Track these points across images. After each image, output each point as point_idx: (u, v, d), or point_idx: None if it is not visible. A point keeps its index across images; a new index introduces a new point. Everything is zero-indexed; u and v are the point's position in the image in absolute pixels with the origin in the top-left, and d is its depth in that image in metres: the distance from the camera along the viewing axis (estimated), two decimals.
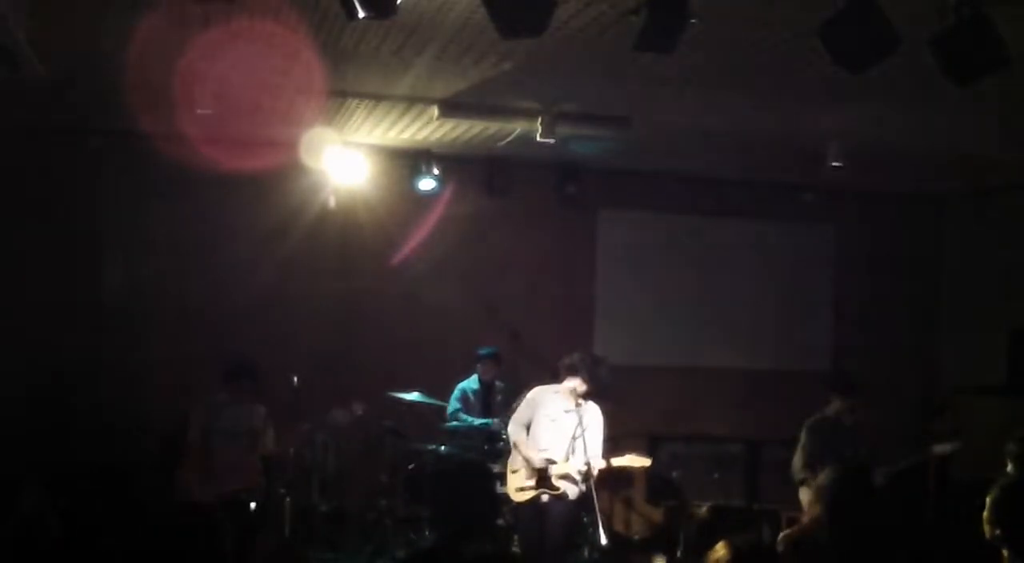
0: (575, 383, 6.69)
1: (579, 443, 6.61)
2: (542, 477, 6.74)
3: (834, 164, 8.26)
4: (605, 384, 6.76)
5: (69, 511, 4.10)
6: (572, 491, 6.74)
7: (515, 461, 6.97)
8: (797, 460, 7.49)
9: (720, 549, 3.09)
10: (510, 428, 7.02)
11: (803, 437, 7.50)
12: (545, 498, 6.76)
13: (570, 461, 6.68)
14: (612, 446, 7.09)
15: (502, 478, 7.79)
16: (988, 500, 3.46)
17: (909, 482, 7.45)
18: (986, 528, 3.44)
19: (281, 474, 7.92)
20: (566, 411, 6.75)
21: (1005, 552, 3.38)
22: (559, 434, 6.77)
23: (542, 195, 9.98)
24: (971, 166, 9.31)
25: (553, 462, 6.72)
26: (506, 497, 7.33)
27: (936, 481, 8.05)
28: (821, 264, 11.08)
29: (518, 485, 6.88)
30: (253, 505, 7.03)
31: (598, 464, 6.67)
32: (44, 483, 4.02)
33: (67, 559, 3.66)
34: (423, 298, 9.59)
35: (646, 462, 6.88)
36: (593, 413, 6.82)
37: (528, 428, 6.89)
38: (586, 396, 6.73)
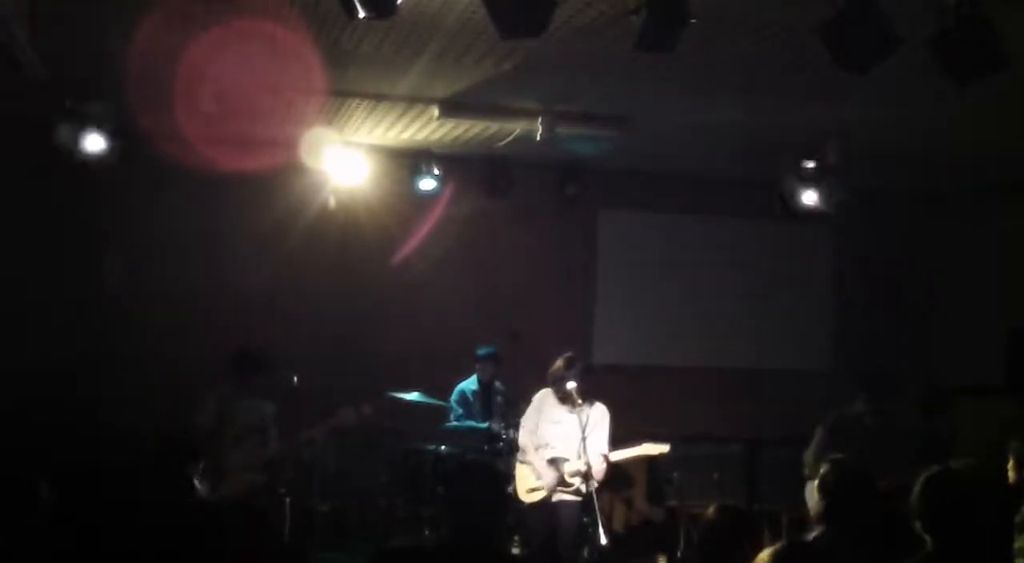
0: (568, 386, 6.77)
1: (586, 442, 6.68)
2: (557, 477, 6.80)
3: (832, 164, 8.26)
4: (587, 373, 6.83)
5: (74, 510, 4.10)
6: (584, 488, 6.79)
7: (524, 463, 7.01)
8: (809, 454, 7.20)
9: (765, 556, 3.08)
10: (520, 434, 7.10)
11: (819, 432, 7.25)
12: (556, 497, 6.80)
13: (581, 459, 6.74)
14: (615, 444, 7.10)
15: (508, 479, 7.82)
16: (913, 494, 3.48)
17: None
18: (912, 520, 3.46)
19: (281, 474, 7.92)
20: (569, 412, 6.81)
21: (929, 543, 3.41)
22: (565, 434, 6.81)
23: (542, 195, 9.98)
24: (971, 166, 9.31)
25: (566, 460, 6.78)
26: (513, 498, 7.33)
27: None
28: (821, 264, 11.08)
29: (529, 486, 6.92)
30: (259, 505, 6.93)
31: (598, 464, 6.70)
32: (51, 482, 4.02)
33: (76, 559, 3.66)
34: (423, 298, 9.59)
35: (664, 448, 6.90)
36: (599, 414, 6.86)
37: (536, 432, 6.95)
38: (582, 396, 6.77)
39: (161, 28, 5.92)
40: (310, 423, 7.26)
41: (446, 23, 5.83)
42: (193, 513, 3.61)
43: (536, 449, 6.92)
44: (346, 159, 8.98)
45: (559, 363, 6.91)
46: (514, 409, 8.62)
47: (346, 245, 9.57)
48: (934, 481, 3.48)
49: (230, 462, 6.87)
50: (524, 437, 7.05)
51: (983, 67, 4.78)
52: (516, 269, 10.01)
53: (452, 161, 9.36)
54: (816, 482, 4.35)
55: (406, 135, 8.85)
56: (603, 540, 6.63)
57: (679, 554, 8.35)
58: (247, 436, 6.95)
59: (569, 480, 6.79)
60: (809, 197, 9.88)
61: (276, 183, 9.23)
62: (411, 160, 9.30)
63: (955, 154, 8.87)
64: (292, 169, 9.13)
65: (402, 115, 8.19)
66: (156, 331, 9.01)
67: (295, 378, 7.93)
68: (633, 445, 6.97)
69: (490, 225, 9.88)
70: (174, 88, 7.00)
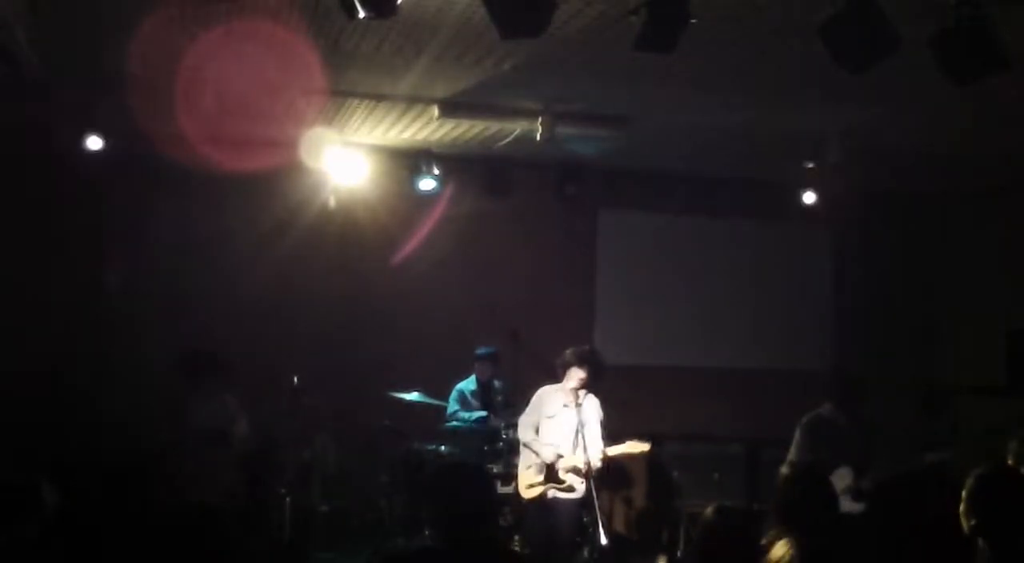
0: (576, 375, 6.76)
1: (584, 437, 6.70)
2: (550, 472, 6.81)
3: (833, 164, 8.26)
4: (602, 368, 6.83)
5: (75, 511, 4.10)
6: (579, 485, 6.79)
7: (525, 461, 7.04)
8: (792, 459, 7.31)
9: (781, 548, 3.02)
10: (519, 431, 7.11)
11: (798, 436, 7.33)
12: (551, 494, 6.81)
13: (576, 454, 6.74)
14: (612, 443, 7.12)
15: (503, 478, 7.81)
16: (964, 491, 3.42)
17: (898, 489, 7.37)
18: (963, 520, 3.41)
19: (281, 474, 7.92)
20: (564, 406, 6.82)
21: (981, 543, 3.35)
22: (562, 430, 6.82)
23: (542, 195, 9.98)
24: (971, 166, 9.32)
25: (561, 456, 6.79)
26: (516, 496, 7.35)
27: (931, 490, 7.98)
28: (820, 264, 11.09)
29: (528, 483, 6.95)
30: (231, 513, 6.75)
31: (597, 459, 6.72)
32: (53, 483, 4.02)
33: (75, 558, 3.67)
34: (423, 298, 9.59)
35: (645, 447, 6.93)
36: (591, 407, 6.88)
37: (537, 429, 6.95)
38: (587, 387, 6.79)
39: (161, 28, 5.92)
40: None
41: (446, 23, 5.83)
42: (193, 513, 3.61)
43: (536, 439, 6.93)
44: (346, 159, 8.99)
45: (573, 351, 6.87)
46: (513, 408, 8.63)
47: (346, 245, 9.57)
48: (991, 480, 3.38)
49: (193, 471, 6.78)
50: (522, 432, 7.03)
51: (983, 67, 4.78)
52: (516, 269, 10.01)
53: (452, 161, 9.36)
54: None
55: (406, 135, 8.85)
56: (603, 540, 6.63)
57: (679, 554, 8.34)
58: (206, 443, 6.88)
59: (563, 476, 6.80)
60: (809, 197, 9.92)
61: (276, 183, 9.23)
62: (411, 160, 9.30)
63: (955, 154, 8.87)
64: (292, 169, 9.13)
65: (402, 115, 8.19)
66: (155, 331, 9.00)
67: (295, 378, 7.94)
68: (617, 443, 6.99)
69: (490, 225, 9.88)
70: (174, 88, 6.99)
